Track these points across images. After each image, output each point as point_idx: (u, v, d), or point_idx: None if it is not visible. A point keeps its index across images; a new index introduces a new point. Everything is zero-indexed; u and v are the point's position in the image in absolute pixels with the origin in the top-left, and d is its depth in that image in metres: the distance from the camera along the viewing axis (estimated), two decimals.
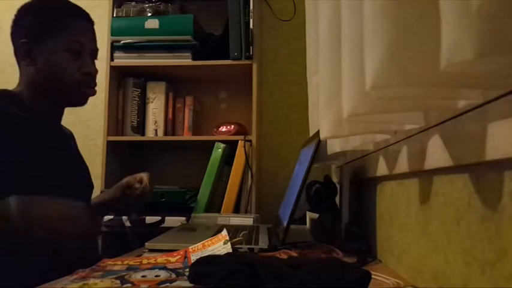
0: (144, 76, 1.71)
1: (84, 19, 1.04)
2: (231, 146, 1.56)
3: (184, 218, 1.44)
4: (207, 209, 1.51)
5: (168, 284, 0.55)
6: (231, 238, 0.80)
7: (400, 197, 0.70)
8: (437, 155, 0.50)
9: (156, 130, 1.68)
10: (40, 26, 0.99)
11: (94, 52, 1.07)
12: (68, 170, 1.04)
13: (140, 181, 1.22)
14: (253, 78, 1.58)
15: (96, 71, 1.06)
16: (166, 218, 1.45)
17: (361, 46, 0.48)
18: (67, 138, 1.14)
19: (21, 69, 1.02)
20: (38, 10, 1.01)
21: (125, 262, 0.69)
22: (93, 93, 1.07)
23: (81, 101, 1.06)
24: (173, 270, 0.63)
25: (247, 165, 1.52)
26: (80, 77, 1.02)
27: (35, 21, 1.00)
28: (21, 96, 1.00)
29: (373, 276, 0.50)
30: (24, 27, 1.00)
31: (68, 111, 1.11)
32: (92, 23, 1.06)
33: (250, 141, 1.55)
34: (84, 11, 1.05)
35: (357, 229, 0.93)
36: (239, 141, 1.54)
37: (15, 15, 1.01)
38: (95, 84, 1.07)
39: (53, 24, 0.99)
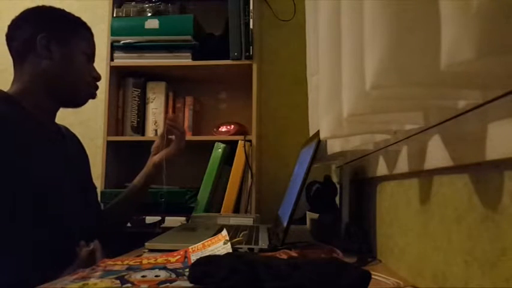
0: (144, 76, 1.71)
1: (88, 30, 1.14)
2: (231, 146, 1.56)
3: (184, 218, 1.44)
4: (207, 209, 1.51)
5: (168, 284, 0.55)
6: (231, 238, 0.80)
7: (400, 197, 0.70)
8: (437, 155, 0.50)
9: (156, 130, 1.68)
10: (65, 27, 1.08)
11: (94, 59, 1.17)
12: (63, 173, 1.03)
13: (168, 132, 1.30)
14: (253, 78, 1.58)
15: (100, 77, 1.16)
16: (166, 218, 1.45)
17: (361, 46, 0.48)
18: (64, 139, 1.12)
19: (29, 63, 1.02)
20: (61, 15, 1.09)
21: (125, 262, 0.69)
22: (95, 96, 1.15)
23: (83, 102, 1.12)
24: (173, 270, 0.63)
25: (247, 165, 1.52)
26: (90, 79, 1.11)
27: (60, 22, 1.08)
28: (17, 97, 0.99)
29: (373, 276, 0.50)
30: (44, 24, 1.04)
31: (68, 111, 1.11)
32: (92, 34, 1.16)
33: (250, 141, 1.55)
34: (85, 22, 1.14)
35: (357, 229, 0.92)
36: (239, 141, 1.54)
37: (25, 14, 1.04)
38: (97, 88, 1.16)
39: (75, 29, 1.10)
